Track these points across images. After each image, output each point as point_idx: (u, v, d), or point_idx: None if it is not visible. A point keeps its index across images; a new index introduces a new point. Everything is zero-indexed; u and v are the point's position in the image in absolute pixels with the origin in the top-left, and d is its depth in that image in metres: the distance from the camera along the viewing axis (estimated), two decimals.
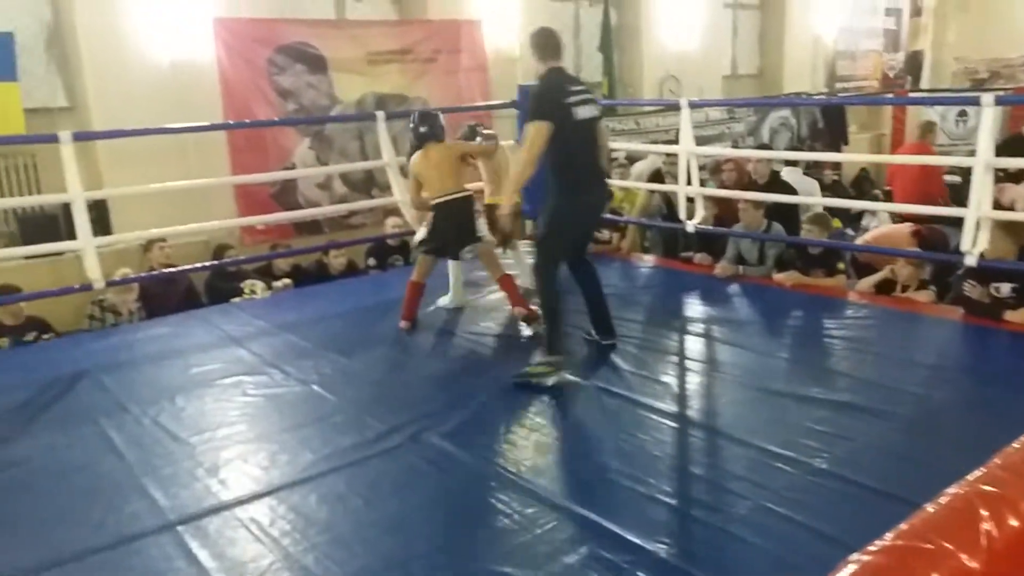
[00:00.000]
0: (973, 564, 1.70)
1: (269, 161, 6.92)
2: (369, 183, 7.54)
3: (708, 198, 6.01)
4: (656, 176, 6.75)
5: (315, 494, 2.97)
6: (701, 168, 6.06)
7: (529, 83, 6.98)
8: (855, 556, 1.73)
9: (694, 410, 3.62)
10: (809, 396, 3.65)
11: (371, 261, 6.73)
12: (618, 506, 2.81)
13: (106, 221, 6.04)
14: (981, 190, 4.52)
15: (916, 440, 3.24)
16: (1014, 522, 1.84)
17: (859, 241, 6.37)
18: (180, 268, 5.79)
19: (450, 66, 8.00)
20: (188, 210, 5.94)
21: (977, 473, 2.04)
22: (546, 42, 4.14)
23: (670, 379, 4.00)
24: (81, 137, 5.15)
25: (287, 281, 6.16)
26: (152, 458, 3.29)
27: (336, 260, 6.54)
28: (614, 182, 6.23)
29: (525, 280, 5.16)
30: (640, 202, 6.78)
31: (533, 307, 4.60)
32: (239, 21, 6.74)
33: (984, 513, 1.83)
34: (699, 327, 4.70)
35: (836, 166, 11.13)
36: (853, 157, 11.36)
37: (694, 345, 4.43)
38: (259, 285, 5.92)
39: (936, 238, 5.94)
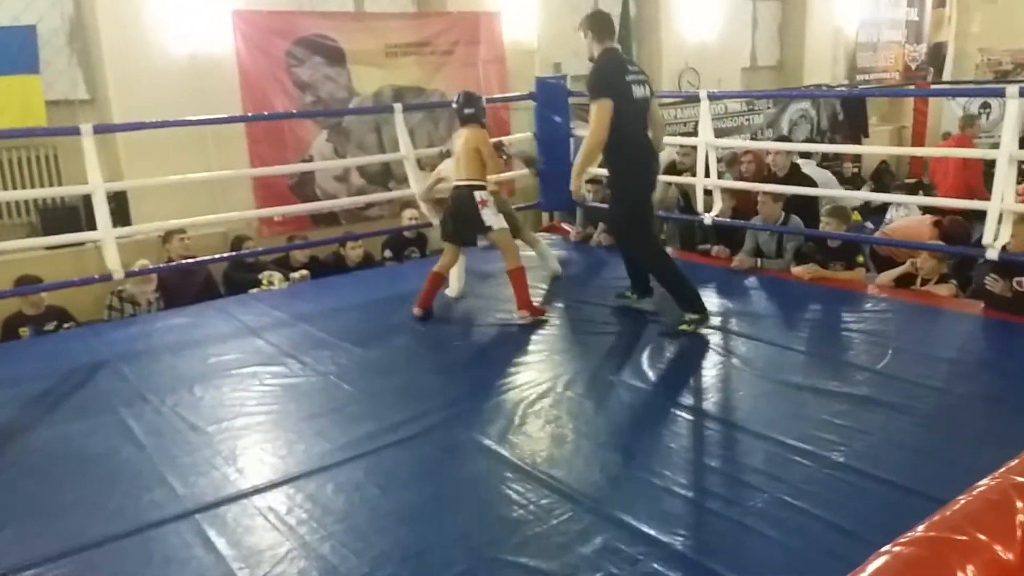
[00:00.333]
0: (1008, 556, 1.66)
1: (287, 153, 6.94)
2: (386, 175, 7.55)
3: (725, 190, 5.98)
4: (671, 168, 6.72)
5: (332, 483, 2.99)
6: (718, 160, 6.02)
7: (547, 75, 7.05)
8: (887, 547, 1.70)
9: (711, 403, 3.60)
10: (827, 390, 3.62)
11: (387, 253, 6.75)
12: (634, 498, 2.81)
13: (126, 212, 6.09)
14: (1004, 183, 4.46)
15: (935, 435, 3.21)
16: None
17: (878, 234, 6.32)
18: (198, 259, 5.83)
19: (468, 58, 7.98)
20: (206, 201, 5.99)
21: (1012, 463, 1.98)
22: (603, 23, 4.46)
23: (687, 371, 3.99)
24: (102, 129, 5.20)
25: (304, 272, 6.19)
26: (170, 447, 3.32)
27: (353, 252, 6.57)
28: None
29: (550, 267, 5.25)
30: (657, 195, 6.74)
31: (536, 307, 4.76)
32: (258, 14, 6.75)
33: (1020, 504, 1.78)
34: (716, 320, 4.67)
35: (856, 159, 11.05)
36: (875, 149, 11.25)
37: (712, 338, 4.40)
38: (276, 276, 5.95)
39: (958, 230, 5.87)
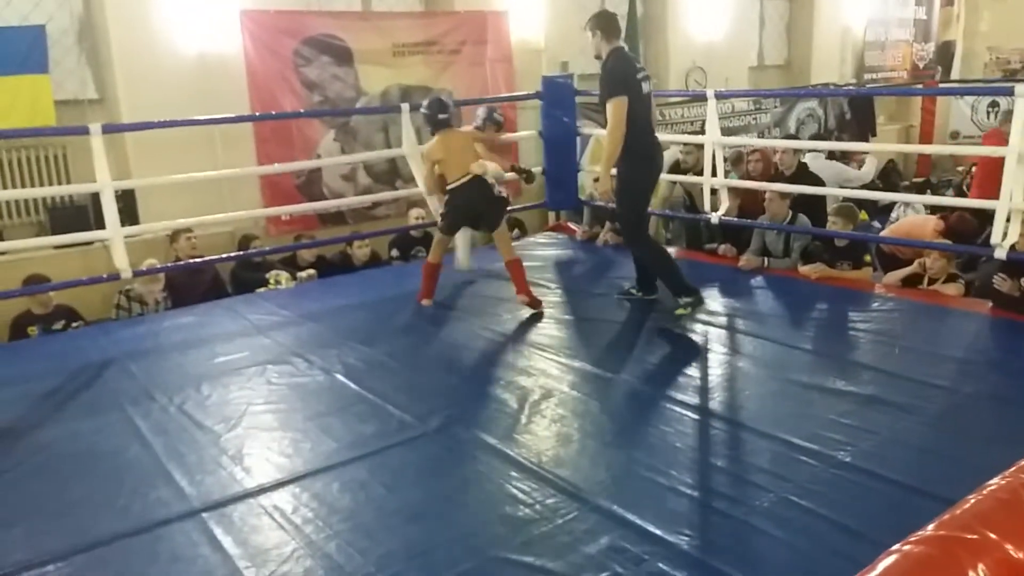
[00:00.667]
0: (1019, 555, 1.66)
1: (295, 152, 6.95)
2: (393, 174, 7.55)
3: (732, 189, 5.97)
4: (675, 167, 6.71)
5: (338, 482, 2.99)
6: (724, 160, 6.01)
7: (554, 74, 7.05)
8: (897, 546, 1.69)
9: (717, 402, 3.60)
10: (834, 389, 3.62)
11: (394, 252, 6.76)
12: (640, 497, 2.80)
13: (134, 211, 6.11)
14: (1013, 181, 4.44)
15: (942, 435, 3.20)
16: None
17: (883, 233, 6.28)
18: (206, 258, 5.85)
19: (475, 58, 7.98)
20: (214, 201, 6.00)
21: (1021, 463, 1.98)
22: (611, 23, 4.66)
23: (693, 371, 3.98)
24: (110, 129, 5.22)
25: (311, 271, 6.20)
26: (177, 445, 3.33)
27: (360, 251, 6.58)
28: None
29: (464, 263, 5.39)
30: (662, 193, 6.74)
31: (535, 297, 4.88)
32: (266, 13, 6.77)
33: None
34: (723, 319, 4.67)
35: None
36: (886, 147, 11.19)
37: (718, 337, 4.40)
38: (284, 275, 5.96)
39: (966, 227, 5.80)
